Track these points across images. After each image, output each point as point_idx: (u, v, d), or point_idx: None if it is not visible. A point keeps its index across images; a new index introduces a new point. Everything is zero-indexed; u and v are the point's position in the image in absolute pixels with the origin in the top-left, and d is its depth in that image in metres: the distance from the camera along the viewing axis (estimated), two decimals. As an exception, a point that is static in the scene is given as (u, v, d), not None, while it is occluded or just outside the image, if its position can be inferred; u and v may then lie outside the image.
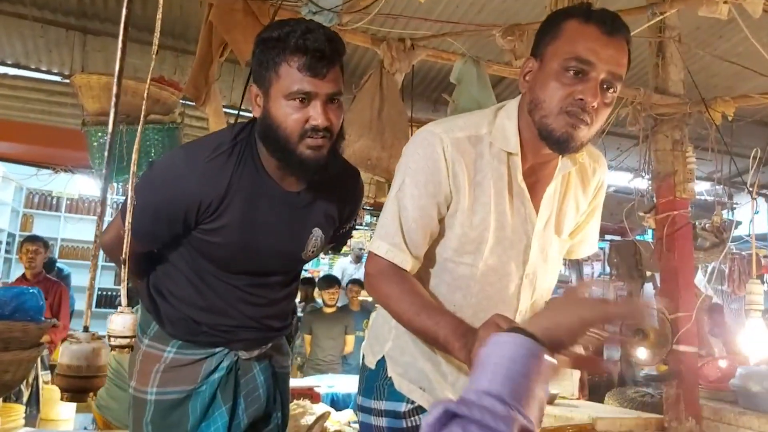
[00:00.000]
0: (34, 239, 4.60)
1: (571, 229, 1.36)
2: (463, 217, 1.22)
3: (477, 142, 1.23)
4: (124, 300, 0.87)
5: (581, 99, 1.11)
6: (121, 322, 0.86)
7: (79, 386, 0.68)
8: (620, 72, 1.14)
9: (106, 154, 0.78)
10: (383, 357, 1.34)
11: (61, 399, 0.71)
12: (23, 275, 4.53)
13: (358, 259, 7.91)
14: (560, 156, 1.23)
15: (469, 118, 1.28)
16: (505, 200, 1.23)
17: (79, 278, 6.28)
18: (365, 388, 1.37)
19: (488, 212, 1.22)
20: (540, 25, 1.23)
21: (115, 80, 0.78)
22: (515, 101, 1.26)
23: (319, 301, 5.63)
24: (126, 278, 0.90)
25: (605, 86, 1.13)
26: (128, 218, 0.85)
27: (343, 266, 7.96)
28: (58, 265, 6.45)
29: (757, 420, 2.93)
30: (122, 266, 0.88)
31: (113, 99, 0.76)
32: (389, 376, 1.32)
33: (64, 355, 0.69)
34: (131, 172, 0.90)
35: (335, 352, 5.19)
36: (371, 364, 1.37)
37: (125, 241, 0.88)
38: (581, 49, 1.11)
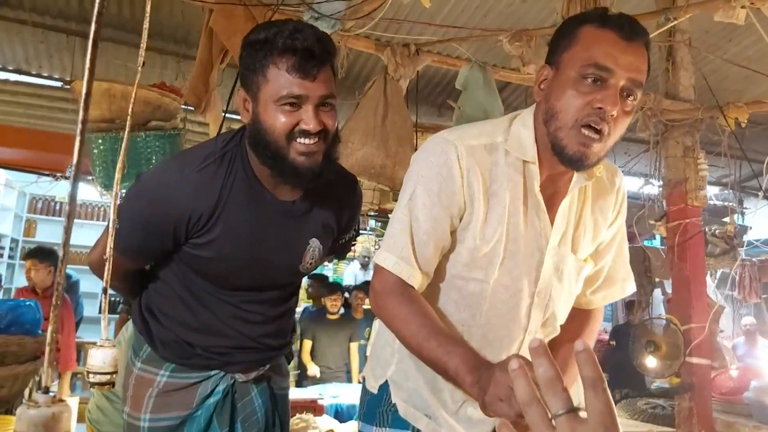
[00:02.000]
0: (40, 256, 3.97)
1: (591, 249, 1.28)
2: (476, 230, 1.15)
3: (492, 150, 1.17)
4: (104, 332, 0.80)
5: (600, 108, 1.05)
6: (101, 357, 0.79)
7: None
8: (640, 78, 1.07)
9: (74, 161, 0.72)
10: (386, 381, 1.28)
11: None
12: (32, 287, 3.92)
13: (364, 267, 7.86)
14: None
15: (483, 126, 1.22)
16: (520, 212, 1.17)
17: (84, 284, 6.24)
18: (366, 413, 1.30)
19: (502, 224, 1.16)
20: (555, 32, 1.17)
21: (85, 83, 0.72)
22: (530, 110, 1.19)
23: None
24: (107, 308, 0.83)
25: (625, 94, 1.07)
26: (110, 242, 0.79)
27: (354, 272, 7.92)
28: (67, 270, 6.41)
29: (773, 434, 2.86)
30: (103, 293, 0.82)
31: (82, 102, 0.70)
32: (393, 402, 1.26)
33: (20, 420, 0.63)
34: (114, 192, 0.84)
35: (340, 360, 5.10)
36: (373, 388, 1.30)
37: (107, 266, 0.81)
38: (599, 55, 1.05)
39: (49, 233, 8.05)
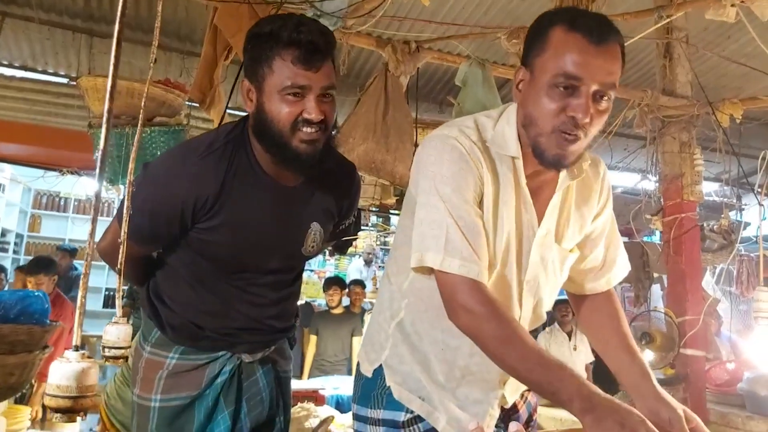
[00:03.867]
0: (45, 270, 3.93)
1: (578, 239, 1.33)
2: (488, 220, 1.19)
3: (485, 145, 1.21)
4: (119, 310, 0.86)
5: (572, 116, 1.09)
6: (116, 333, 0.85)
7: (68, 407, 0.67)
8: (612, 80, 1.10)
9: (99, 155, 0.77)
10: (381, 365, 1.31)
11: (50, 419, 0.71)
12: None
13: (368, 263, 7.93)
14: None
15: (477, 119, 1.25)
16: (511, 204, 1.22)
17: (89, 279, 6.32)
18: (361, 397, 1.34)
19: (507, 216, 1.21)
20: (528, 31, 1.19)
21: (109, 81, 0.77)
22: (515, 107, 1.23)
23: (345, 300, 5.61)
24: (121, 288, 0.89)
25: (598, 96, 1.10)
26: (124, 227, 0.85)
27: (359, 268, 7.99)
28: (74, 263, 6.54)
29: (765, 424, 2.91)
30: (118, 275, 0.87)
31: (107, 100, 0.75)
32: (387, 385, 1.29)
33: (52, 375, 0.69)
34: (128, 179, 0.89)
35: (341, 354, 5.18)
36: (368, 372, 1.34)
37: (121, 248, 0.87)
38: (569, 64, 1.07)
39: (53, 229, 8.13)
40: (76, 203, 8.32)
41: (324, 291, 5.40)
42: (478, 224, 1.15)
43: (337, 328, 5.22)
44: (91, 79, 3.10)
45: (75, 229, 8.13)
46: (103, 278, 7.99)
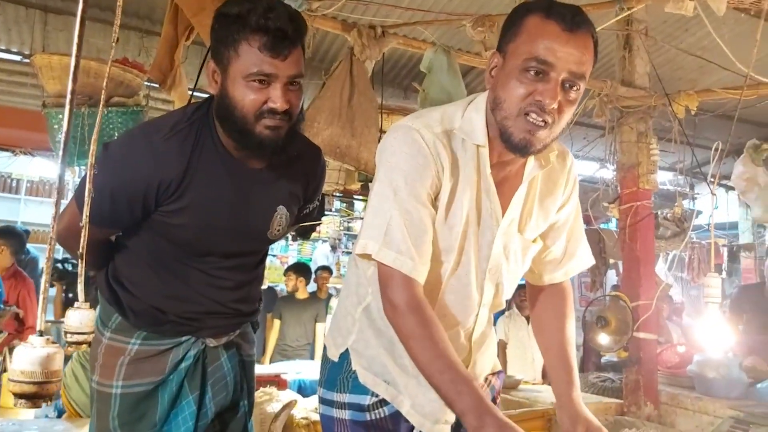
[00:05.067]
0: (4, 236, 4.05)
1: (542, 229, 1.35)
2: (441, 213, 1.21)
3: (452, 137, 1.22)
4: (81, 295, 0.84)
5: (539, 100, 1.11)
6: (78, 318, 0.84)
7: (33, 392, 0.66)
8: (582, 70, 1.12)
9: (62, 137, 0.75)
10: (347, 350, 1.33)
11: (15, 405, 0.69)
12: None
13: (334, 249, 7.93)
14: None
15: (444, 111, 1.26)
16: (474, 195, 1.23)
17: (43, 262, 6.13)
18: (327, 380, 1.35)
19: (462, 208, 1.22)
20: (505, 19, 1.21)
21: (73, 60, 0.75)
22: (484, 95, 1.25)
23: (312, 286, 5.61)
24: (83, 272, 0.88)
25: (567, 85, 1.12)
26: (85, 210, 0.83)
27: (325, 254, 7.97)
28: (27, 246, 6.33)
29: (712, 405, 3.04)
30: (79, 259, 0.86)
31: (70, 80, 0.73)
32: (353, 369, 1.31)
33: (16, 361, 0.67)
34: (89, 161, 0.87)
35: (303, 339, 5.19)
36: (334, 356, 1.35)
37: (83, 232, 0.85)
38: (540, 49, 1.10)
39: (5, 211, 7.85)
40: (28, 185, 8.06)
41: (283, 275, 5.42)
42: (424, 221, 1.17)
43: (301, 313, 5.22)
44: (46, 57, 2.99)
45: (28, 212, 7.88)
46: (48, 280, 7.74)
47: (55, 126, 2.99)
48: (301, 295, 5.33)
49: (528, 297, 1.50)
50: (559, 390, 1.31)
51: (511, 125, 1.14)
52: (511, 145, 1.16)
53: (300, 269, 5.56)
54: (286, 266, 6.26)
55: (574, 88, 1.13)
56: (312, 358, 5.06)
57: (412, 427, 1.28)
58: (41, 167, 7.11)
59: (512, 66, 1.13)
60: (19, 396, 0.67)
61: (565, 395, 1.28)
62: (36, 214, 7.85)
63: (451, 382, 1.08)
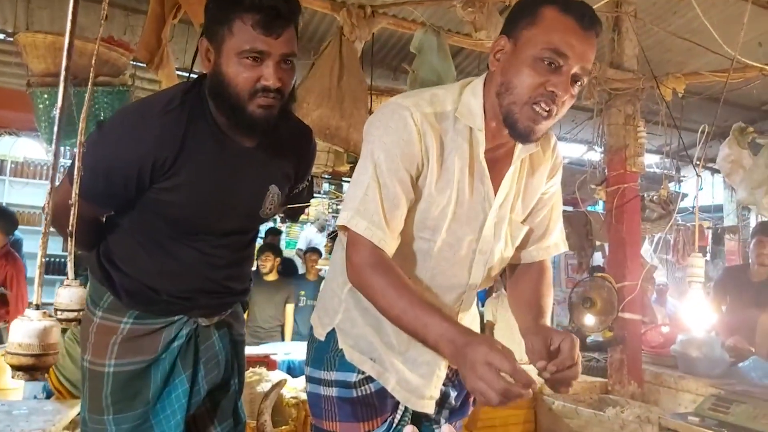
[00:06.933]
0: None
1: (528, 210, 1.37)
2: (428, 193, 1.22)
3: (443, 118, 1.23)
4: (71, 273, 0.85)
5: (552, 91, 1.13)
6: (68, 295, 0.84)
7: (30, 365, 0.66)
8: (589, 67, 1.17)
9: (57, 116, 0.75)
10: (333, 329, 1.34)
11: (13, 377, 0.70)
12: None
13: (322, 228, 7.90)
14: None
15: (435, 93, 1.27)
16: (466, 177, 1.24)
17: (27, 245, 6.07)
18: (314, 359, 1.37)
19: (452, 188, 1.23)
20: (516, 4, 1.23)
21: (67, 38, 0.74)
22: (481, 79, 1.26)
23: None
24: (73, 250, 0.88)
25: (574, 80, 1.15)
26: (75, 188, 0.83)
27: (309, 236, 7.95)
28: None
29: (695, 383, 3.11)
30: (69, 237, 0.86)
31: (64, 59, 0.73)
32: (340, 347, 1.33)
33: (14, 333, 0.68)
34: (78, 139, 0.87)
35: (274, 321, 5.12)
36: (321, 336, 1.37)
37: (72, 210, 0.85)
38: (559, 42, 1.12)
39: (-11, 192, 7.76)
40: (13, 166, 7.94)
41: (257, 257, 5.13)
42: (398, 196, 1.19)
43: (271, 295, 5.12)
44: (30, 35, 2.93)
45: (13, 193, 7.78)
46: (45, 255, 7.67)
47: (41, 106, 2.94)
48: (271, 276, 5.20)
49: (508, 273, 1.51)
50: (526, 324, 1.27)
51: (518, 111, 1.17)
52: (514, 131, 1.19)
53: (277, 249, 5.47)
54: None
55: (578, 83, 1.17)
56: (283, 339, 5.03)
57: (398, 403, 1.31)
58: (26, 148, 7.02)
59: (526, 54, 1.15)
60: (17, 368, 0.68)
61: (533, 324, 1.24)
62: (20, 195, 7.75)
63: (416, 318, 1.11)
